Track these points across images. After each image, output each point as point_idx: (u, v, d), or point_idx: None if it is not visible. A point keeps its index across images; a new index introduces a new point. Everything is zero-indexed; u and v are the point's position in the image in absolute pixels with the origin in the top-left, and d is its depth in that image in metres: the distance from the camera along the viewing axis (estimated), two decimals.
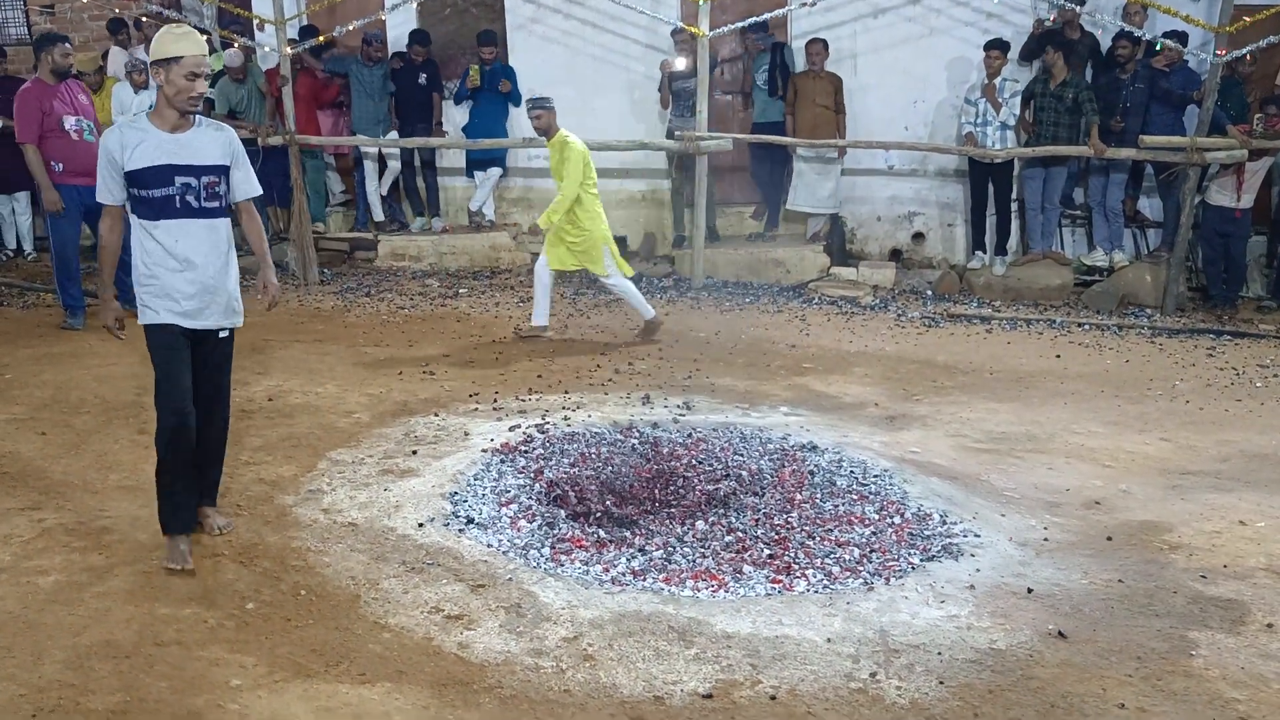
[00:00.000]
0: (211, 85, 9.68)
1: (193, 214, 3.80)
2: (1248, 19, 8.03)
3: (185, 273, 3.81)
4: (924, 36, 9.55)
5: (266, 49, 9.62)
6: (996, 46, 8.79)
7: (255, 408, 5.83)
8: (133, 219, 3.85)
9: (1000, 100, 8.79)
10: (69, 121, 7.35)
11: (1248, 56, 8.32)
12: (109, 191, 3.81)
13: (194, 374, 3.91)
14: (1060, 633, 3.52)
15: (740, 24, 8.99)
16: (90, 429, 5.41)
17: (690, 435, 5.39)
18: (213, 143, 3.84)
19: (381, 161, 10.09)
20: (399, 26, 10.16)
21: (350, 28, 9.36)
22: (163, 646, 3.34)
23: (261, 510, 4.43)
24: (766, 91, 9.43)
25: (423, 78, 9.85)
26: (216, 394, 4.05)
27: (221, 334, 3.99)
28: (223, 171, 3.86)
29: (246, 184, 3.99)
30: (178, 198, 3.76)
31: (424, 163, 10.22)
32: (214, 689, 3.11)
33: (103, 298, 4.10)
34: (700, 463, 5.01)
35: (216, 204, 3.85)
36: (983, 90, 8.84)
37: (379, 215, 10.22)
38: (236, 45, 9.52)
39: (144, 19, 10.10)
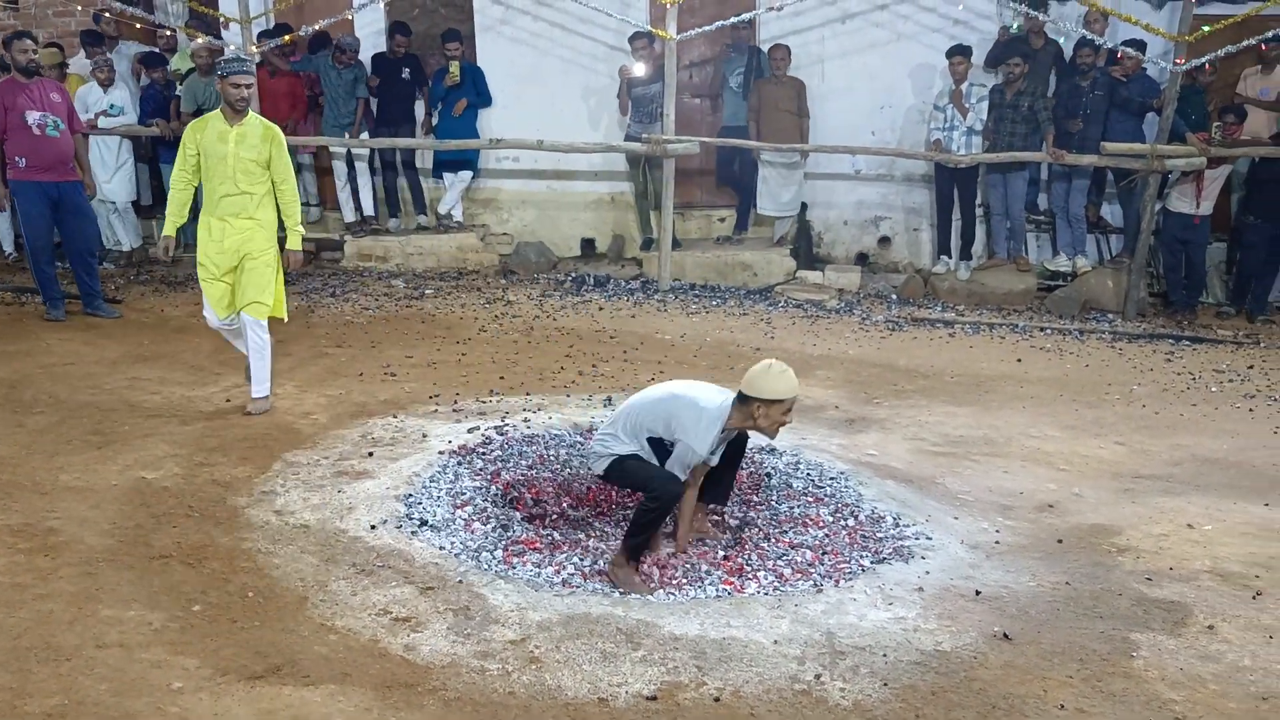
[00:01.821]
0: (180, 82, 9.64)
1: None
2: (1207, 28, 8.13)
3: None
4: (891, 42, 9.60)
5: (233, 47, 9.55)
6: (960, 53, 8.86)
7: (212, 408, 5.78)
8: None
9: (967, 105, 8.85)
10: (32, 116, 7.29)
11: (1206, 66, 8.42)
12: None
13: None
14: (1005, 635, 3.55)
15: (707, 28, 9.00)
16: (42, 428, 5.36)
17: None
18: None
19: (351, 165, 10.03)
20: (367, 26, 10.11)
21: (317, 27, 9.31)
22: (104, 649, 3.31)
23: (213, 512, 4.40)
24: (740, 95, 9.46)
25: (405, 72, 9.79)
26: None
27: None
28: None
29: None
30: None
31: (405, 162, 10.16)
32: (155, 692, 3.09)
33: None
34: None
35: None
36: (949, 96, 8.91)
37: (349, 216, 10.15)
38: (202, 40, 9.44)
39: (105, 14, 10.00)
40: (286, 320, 6.00)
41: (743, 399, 3.87)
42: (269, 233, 5.59)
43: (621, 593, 3.80)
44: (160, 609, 3.57)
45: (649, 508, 3.90)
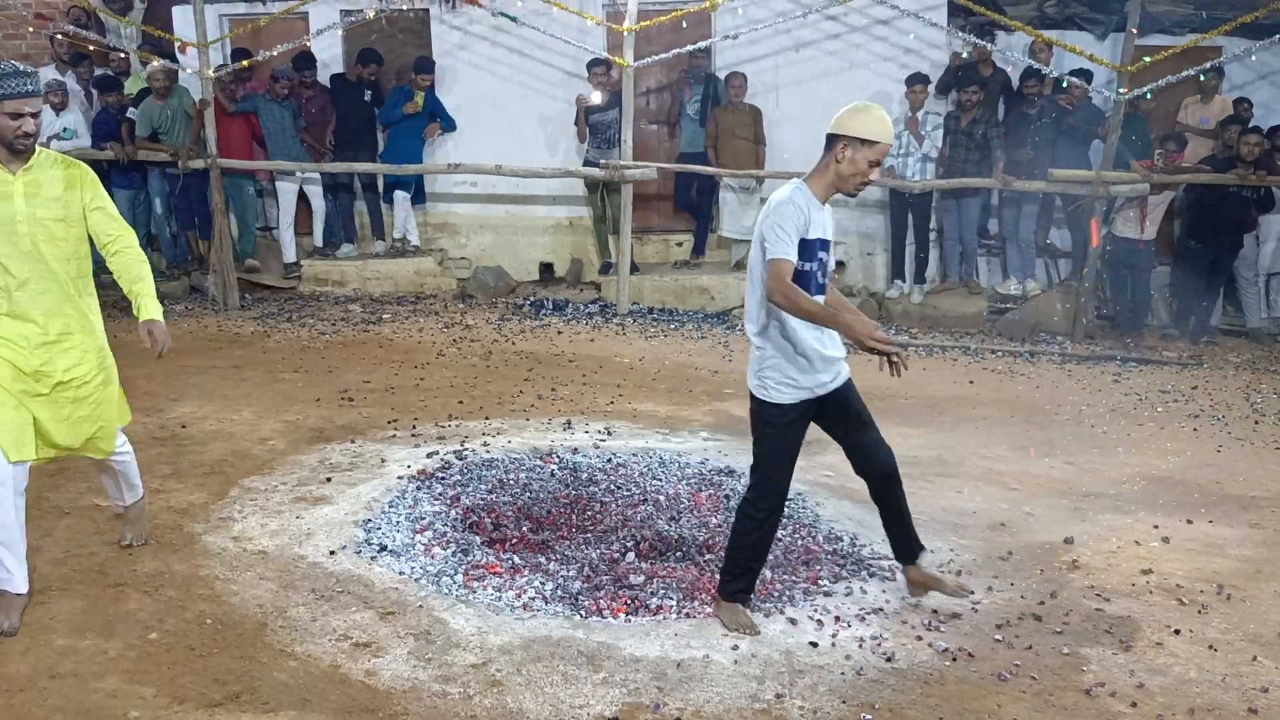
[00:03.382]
0: (135, 105, 9.56)
1: None
2: (1148, 59, 8.39)
3: None
4: (844, 70, 9.78)
5: (188, 71, 9.51)
6: (919, 81, 9.05)
7: (167, 435, 5.73)
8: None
9: (923, 133, 9.04)
10: None
11: (1148, 95, 8.67)
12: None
13: None
14: (960, 651, 3.61)
15: (664, 55, 9.13)
16: None
17: (610, 460, 5.43)
18: None
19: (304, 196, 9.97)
20: (325, 50, 10.11)
21: (275, 53, 9.30)
22: (58, 679, 3.26)
23: (169, 539, 4.36)
24: (697, 121, 9.58)
25: (367, 95, 9.78)
26: None
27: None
28: None
29: None
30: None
31: (364, 186, 10.11)
32: None
33: None
34: (618, 488, 5.05)
35: None
36: (905, 123, 9.07)
37: (290, 256, 10.03)
38: (157, 63, 9.38)
39: (60, 36, 9.92)
40: (131, 420, 4.10)
41: (828, 143, 3.51)
42: (100, 337, 3.83)
43: (582, 616, 3.81)
44: (116, 637, 3.53)
45: (746, 516, 3.65)
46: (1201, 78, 8.89)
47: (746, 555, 3.70)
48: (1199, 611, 3.97)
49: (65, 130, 9.30)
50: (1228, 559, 4.51)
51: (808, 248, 3.48)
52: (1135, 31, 8.45)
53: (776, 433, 3.61)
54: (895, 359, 3.39)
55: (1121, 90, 8.39)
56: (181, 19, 9.87)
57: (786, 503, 4.90)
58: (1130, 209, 8.78)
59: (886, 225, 9.79)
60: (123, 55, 10.21)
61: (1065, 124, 8.93)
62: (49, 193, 3.65)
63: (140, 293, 3.80)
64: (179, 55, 9.84)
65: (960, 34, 9.18)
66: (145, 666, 3.36)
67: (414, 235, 10.14)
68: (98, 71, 10.12)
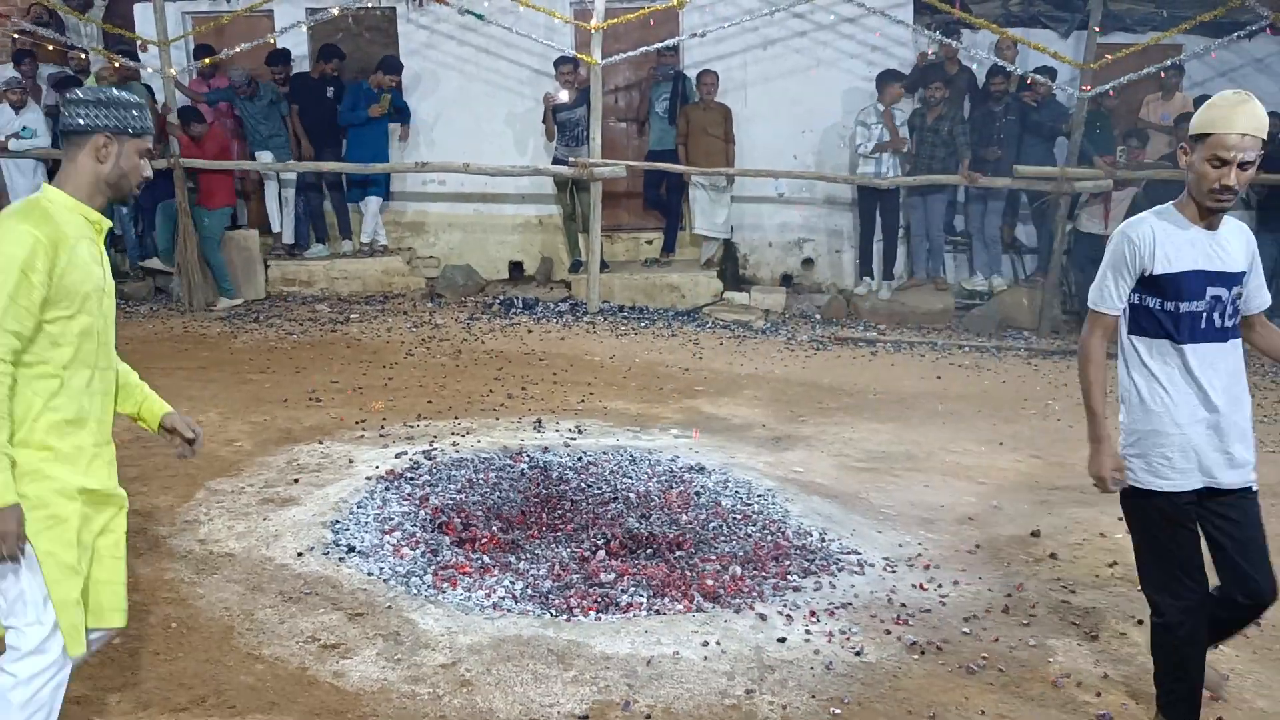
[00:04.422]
0: None
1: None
2: (1110, 56, 8.49)
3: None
4: (812, 68, 9.82)
5: (149, 70, 9.40)
6: (896, 79, 9.08)
7: (132, 436, 5.64)
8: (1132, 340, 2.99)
9: (900, 130, 9.09)
10: None
11: (1110, 92, 8.77)
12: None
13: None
14: (928, 644, 3.64)
15: (632, 53, 9.12)
16: None
17: (580, 459, 5.42)
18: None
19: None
20: (291, 49, 10.01)
21: (239, 49, 9.20)
22: None
23: (134, 542, 4.29)
24: (666, 119, 9.58)
25: (330, 92, 9.69)
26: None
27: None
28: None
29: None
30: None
31: (330, 185, 10.02)
32: None
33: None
34: (589, 486, 5.04)
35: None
36: (879, 116, 9.09)
37: (277, 227, 9.94)
38: (116, 64, 9.26)
39: (17, 35, 9.77)
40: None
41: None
42: None
43: (552, 614, 3.81)
44: None
45: (1156, 627, 3.07)
46: (1162, 75, 9.00)
47: (1166, 674, 3.08)
48: None
49: (24, 129, 9.16)
50: None
51: (1176, 284, 2.87)
52: (1098, 29, 8.54)
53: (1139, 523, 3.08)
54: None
55: (1084, 88, 8.48)
56: (143, 17, 9.75)
57: (758, 497, 4.95)
58: (1094, 205, 8.87)
59: (855, 222, 9.84)
60: (83, 54, 10.07)
61: (1030, 121, 9.01)
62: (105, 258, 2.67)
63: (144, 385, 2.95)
64: (140, 54, 9.72)
65: (926, 32, 9.24)
66: (109, 672, 3.33)
67: (382, 235, 10.08)
68: (54, 70, 9.97)
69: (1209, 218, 2.87)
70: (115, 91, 2.59)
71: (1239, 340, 2.95)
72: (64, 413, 2.50)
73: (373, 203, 9.84)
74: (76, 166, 2.54)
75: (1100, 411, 3.01)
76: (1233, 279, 2.88)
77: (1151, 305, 2.91)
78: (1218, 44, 8.76)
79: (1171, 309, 2.88)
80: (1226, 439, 2.90)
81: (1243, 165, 2.74)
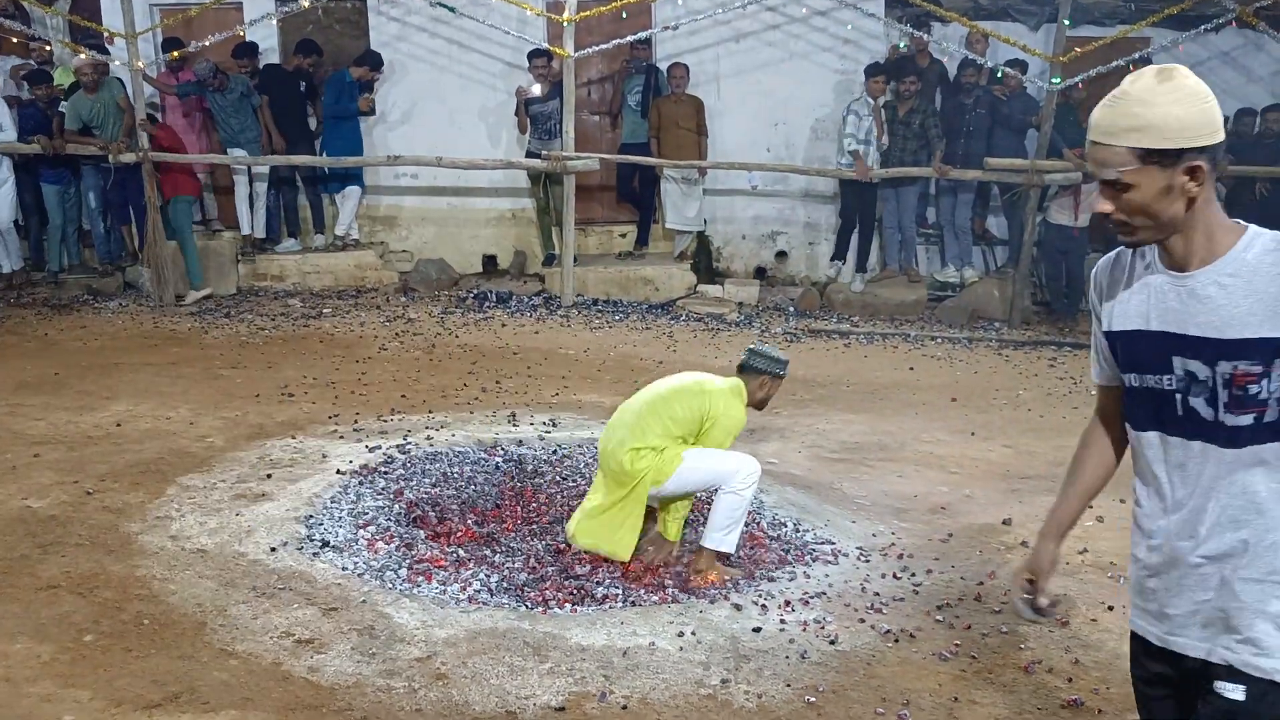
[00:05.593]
0: (65, 97, 9.31)
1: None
2: (1079, 50, 8.56)
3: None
4: (784, 61, 9.84)
5: (118, 63, 9.28)
6: (882, 72, 9.09)
7: (102, 434, 5.60)
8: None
9: (881, 123, 9.12)
10: None
11: (1079, 84, 8.84)
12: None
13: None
14: (901, 632, 3.67)
15: (604, 45, 9.10)
16: None
17: (555, 452, 5.42)
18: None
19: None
20: (261, 41, 9.92)
21: (207, 43, 9.10)
22: None
23: (105, 539, 4.26)
24: (639, 112, 9.57)
25: (302, 86, 9.61)
26: None
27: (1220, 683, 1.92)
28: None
29: None
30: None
31: (304, 178, 9.94)
32: None
33: None
34: (564, 479, 5.05)
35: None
36: (870, 110, 9.10)
37: (259, 231, 9.85)
38: (85, 55, 9.14)
39: None
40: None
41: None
42: None
43: (528, 607, 3.81)
44: (49, 640, 3.45)
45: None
46: (1132, 68, 9.07)
47: None
48: None
49: None
50: None
51: (1122, 348, 1.99)
52: (1066, 23, 8.62)
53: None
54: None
55: (1055, 80, 8.55)
56: (110, 9, 9.62)
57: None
58: (1064, 197, 8.95)
59: (832, 214, 9.88)
60: (47, 47, 9.93)
61: (1000, 113, 9.07)
62: None
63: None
64: (107, 46, 9.60)
65: (897, 25, 9.28)
66: (80, 670, 3.29)
67: (355, 230, 10.02)
68: (17, 62, 9.83)
69: (1175, 253, 1.89)
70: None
71: (1265, 449, 1.84)
72: None
73: (354, 193, 9.80)
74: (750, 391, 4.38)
75: (1059, 502, 2.30)
76: (1222, 349, 1.82)
77: (1125, 377, 2.02)
78: (1185, 37, 8.86)
79: (1133, 383, 1.99)
80: (1221, 594, 1.91)
81: (1116, 186, 1.84)
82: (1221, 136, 1.82)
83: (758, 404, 4.42)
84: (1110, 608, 3.89)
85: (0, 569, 3.95)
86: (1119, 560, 4.33)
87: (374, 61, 9.54)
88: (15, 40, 9.84)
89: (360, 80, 9.49)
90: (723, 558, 4.14)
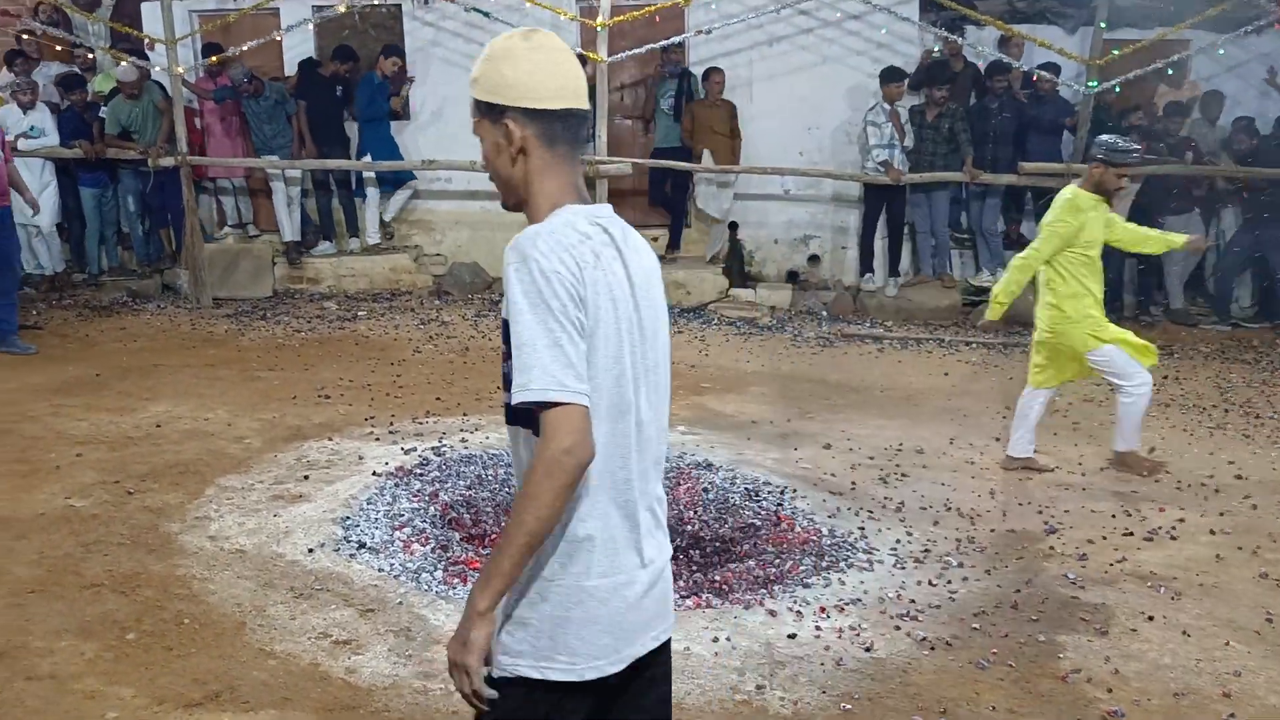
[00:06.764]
0: (105, 103, 9.45)
1: None
2: (1116, 52, 8.47)
3: None
4: (817, 65, 9.80)
5: (158, 68, 9.42)
6: (897, 78, 9.07)
7: (142, 434, 5.68)
8: None
9: (905, 128, 9.09)
10: None
11: (1116, 89, 8.75)
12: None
13: None
14: (938, 640, 3.65)
15: (637, 50, 9.12)
16: None
17: None
18: None
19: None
20: (297, 46, 10.04)
21: (245, 48, 9.22)
22: (35, 680, 3.24)
23: (145, 539, 4.32)
24: (672, 117, 9.58)
25: (339, 90, 9.69)
26: None
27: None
28: None
29: None
30: None
31: (339, 183, 10.01)
32: None
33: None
34: None
35: None
36: (888, 116, 9.08)
37: (288, 235, 9.94)
38: (128, 62, 9.28)
39: (25, 35, 9.79)
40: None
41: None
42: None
43: None
44: (93, 639, 3.50)
45: None
46: (1169, 71, 8.98)
47: None
48: (1172, 598, 4.03)
49: (33, 129, 9.17)
50: (1199, 546, 4.57)
51: None
52: (1104, 25, 8.53)
53: None
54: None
55: (1091, 84, 8.47)
56: (150, 15, 9.76)
57: (766, 494, 4.95)
58: None
59: (860, 219, 9.84)
60: (90, 55, 10.08)
61: (1033, 117, 8.99)
62: None
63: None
64: (148, 52, 9.74)
65: (932, 28, 9.23)
66: (123, 667, 3.34)
67: (378, 233, 10.08)
68: (61, 69, 9.99)
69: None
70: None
71: (515, 430, 1.86)
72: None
73: (401, 194, 9.93)
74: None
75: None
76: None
77: None
78: (1225, 39, 8.74)
79: None
80: None
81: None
82: (559, 106, 1.82)
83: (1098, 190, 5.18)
84: (1150, 618, 3.84)
85: (46, 567, 4.02)
86: (1159, 570, 4.29)
87: (388, 50, 9.58)
88: (59, 48, 10.00)
89: (389, 76, 9.54)
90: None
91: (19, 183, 7.72)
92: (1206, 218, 9.35)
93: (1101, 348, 5.28)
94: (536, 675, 1.82)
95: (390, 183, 9.89)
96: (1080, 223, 5.17)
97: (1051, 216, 5.25)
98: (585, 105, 1.89)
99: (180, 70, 9.12)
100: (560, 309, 1.72)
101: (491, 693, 1.80)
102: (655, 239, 10.18)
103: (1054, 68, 8.89)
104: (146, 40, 9.63)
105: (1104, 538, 4.62)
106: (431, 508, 4.69)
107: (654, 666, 1.98)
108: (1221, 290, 9.32)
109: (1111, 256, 8.82)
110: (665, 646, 2.01)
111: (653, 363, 1.90)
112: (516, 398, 1.71)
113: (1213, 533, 4.71)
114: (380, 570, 4.08)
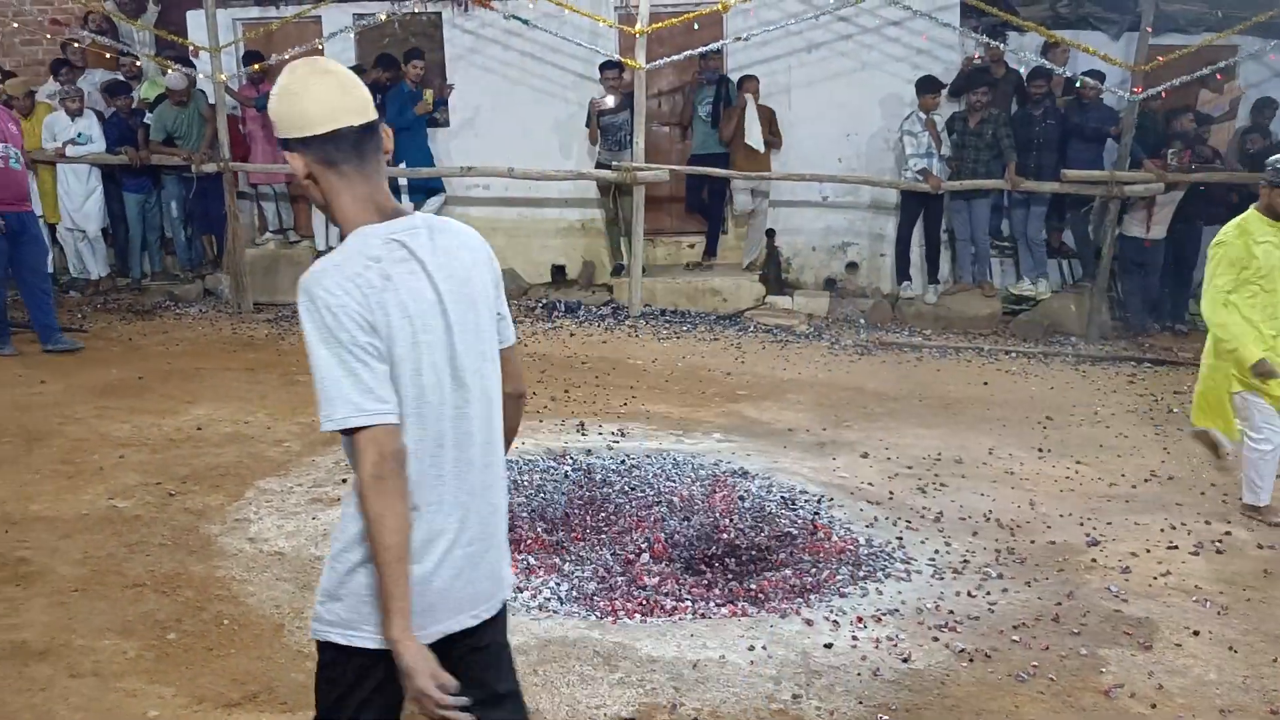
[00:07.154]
0: (150, 109, 9.61)
1: None
2: (1161, 59, 8.36)
3: None
4: (856, 71, 9.76)
5: (202, 75, 9.56)
6: (933, 88, 9.01)
7: (183, 437, 5.75)
8: None
9: (941, 135, 9.03)
10: None
11: (1162, 94, 8.63)
12: None
13: None
14: (976, 652, 3.60)
15: (676, 57, 9.12)
16: (9, 458, 5.31)
17: (623, 462, 5.43)
18: None
19: None
20: (339, 54, 10.14)
21: (287, 56, 9.33)
22: (78, 678, 3.28)
23: (186, 540, 4.37)
24: (709, 123, 9.58)
25: (378, 98, 9.78)
26: None
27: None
28: None
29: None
30: None
31: None
32: None
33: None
34: (632, 489, 5.05)
35: None
36: (923, 125, 9.03)
37: (321, 245, 10.05)
38: (175, 70, 9.44)
39: (74, 44, 9.98)
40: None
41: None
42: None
43: (598, 616, 3.81)
44: (135, 638, 3.55)
45: None
46: (1219, 76, 8.85)
47: None
48: (1218, 613, 3.95)
49: (80, 135, 9.34)
50: (1246, 560, 4.48)
51: None
52: (1150, 30, 8.42)
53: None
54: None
55: (1135, 90, 8.36)
56: (195, 23, 9.91)
57: (803, 502, 4.92)
58: (1139, 209, 8.74)
59: (897, 226, 9.78)
60: (137, 63, 10.24)
61: (1070, 123, 8.88)
62: None
63: None
64: (191, 59, 9.89)
65: (973, 35, 9.16)
66: (164, 667, 3.38)
67: None
68: (106, 76, 10.17)
69: None
70: None
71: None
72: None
73: (433, 202, 9.99)
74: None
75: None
76: None
77: None
78: (1273, 45, 8.60)
79: None
80: None
81: None
82: (323, 129, 1.93)
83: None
84: (1195, 632, 3.77)
85: (90, 567, 4.08)
86: (1204, 584, 4.21)
87: (409, 55, 9.63)
88: (107, 55, 10.18)
89: (417, 83, 9.59)
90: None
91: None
92: None
93: (1245, 391, 4.87)
94: (344, 642, 2.02)
95: (421, 191, 9.94)
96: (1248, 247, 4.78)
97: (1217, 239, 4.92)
98: (356, 120, 1.97)
99: (224, 77, 9.26)
100: (350, 340, 1.89)
101: (463, 700, 1.91)
102: (692, 245, 10.19)
103: (1098, 74, 8.79)
104: (191, 48, 9.78)
105: (1148, 550, 4.55)
106: None
107: (476, 638, 2.11)
108: None
109: (1147, 267, 8.78)
110: (495, 618, 2.16)
111: (475, 357, 2.07)
112: (324, 427, 1.90)
113: (1260, 547, 4.62)
114: None
